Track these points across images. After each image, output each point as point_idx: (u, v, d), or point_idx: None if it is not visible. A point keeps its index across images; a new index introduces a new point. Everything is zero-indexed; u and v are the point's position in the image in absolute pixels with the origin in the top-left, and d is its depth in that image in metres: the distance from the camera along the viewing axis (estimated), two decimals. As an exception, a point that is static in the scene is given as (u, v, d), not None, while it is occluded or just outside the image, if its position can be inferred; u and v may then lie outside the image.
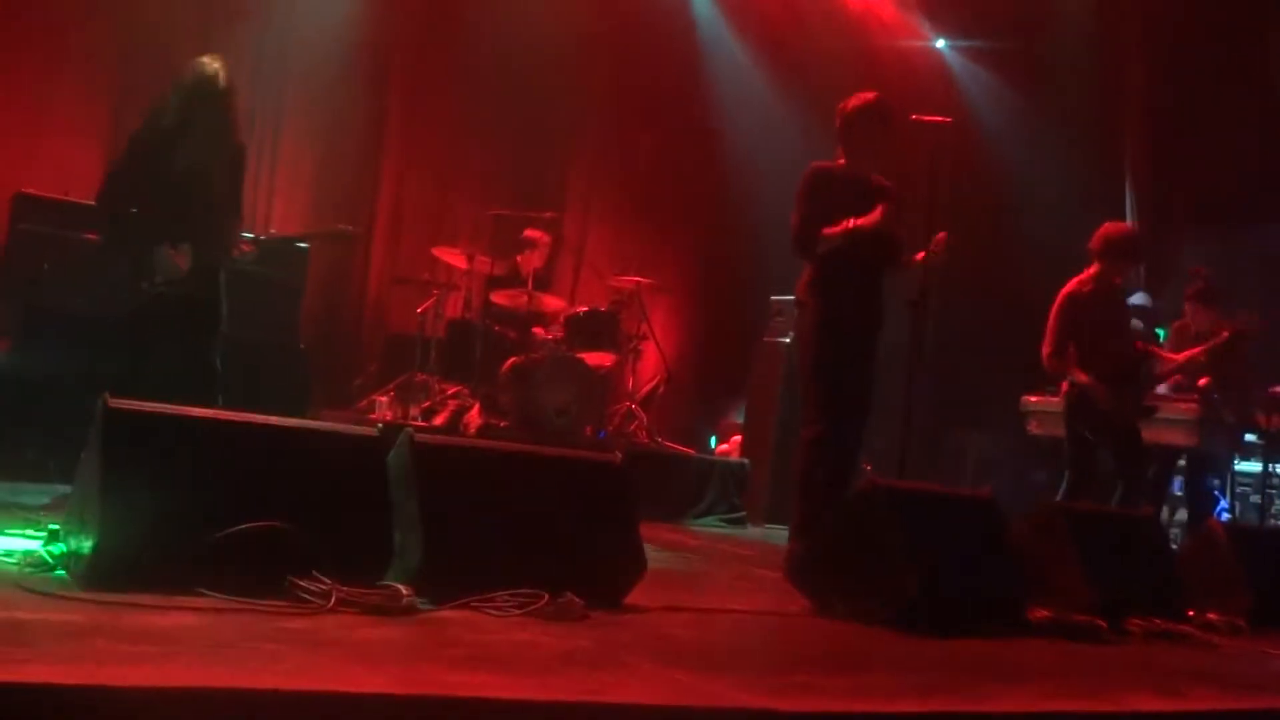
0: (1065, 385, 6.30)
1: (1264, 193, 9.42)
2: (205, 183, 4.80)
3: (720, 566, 5.46)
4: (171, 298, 4.72)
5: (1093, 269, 6.18)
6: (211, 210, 4.82)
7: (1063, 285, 6.32)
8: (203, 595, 2.65)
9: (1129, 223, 6.40)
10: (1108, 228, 6.30)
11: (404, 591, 2.84)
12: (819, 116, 10.47)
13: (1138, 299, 8.59)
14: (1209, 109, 9.70)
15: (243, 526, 2.82)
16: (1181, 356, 6.92)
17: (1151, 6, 10.10)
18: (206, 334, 4.89)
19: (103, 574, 2.70)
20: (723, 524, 7.76)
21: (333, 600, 2.73)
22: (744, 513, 8.04)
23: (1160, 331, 7.58)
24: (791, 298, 8.65)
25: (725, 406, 10.54)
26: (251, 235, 5.11)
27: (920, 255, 5.08)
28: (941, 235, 5.04)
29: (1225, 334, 6.73)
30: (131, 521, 2.77)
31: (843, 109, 5.18)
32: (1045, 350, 6.17)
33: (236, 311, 4.98)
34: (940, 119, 5.09)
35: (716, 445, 10.25)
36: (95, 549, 2.74)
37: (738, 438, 9.41)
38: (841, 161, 5.18)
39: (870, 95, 5.20)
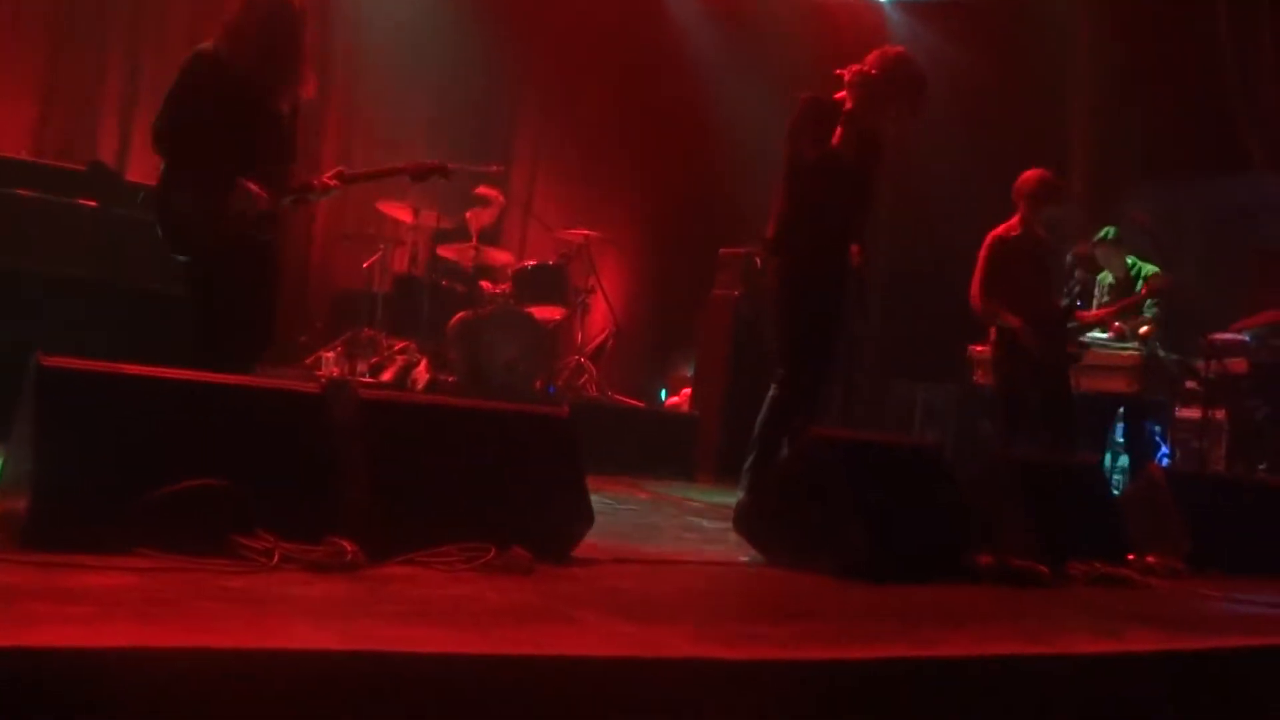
0: (994, 331, 6.40)
1: (1206, 146, 9.52)
2: (277, 120, 4.48)
3: (669, 519, 5.49)
4: (245, 243, 4.37)
5: (1016, 216, 6.29)
6: (282, 150, 4.51)
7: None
8: (142, 554, 2.61)
9: (1044, 169, 6.39)
10: (1026, 174, 6.35)
11: (348, 547, 2.82)
12: (766, 69, 10.49)
13: None
14: (1153, 62, 9.75)
15: (184, 484, 2.78)
16: (1095, 315, 7.10)
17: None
18: (275, 284, 4.62)
19: (39, 534, 2.64)
20: (671, 476, 7.79)
21: (275, 557, 2.70)
22: (693, 465, 8.07)
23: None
24: (742, 250, 8.72)
25: (675, 360, 10.55)
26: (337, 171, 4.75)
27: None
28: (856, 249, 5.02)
29: (1142, 291, 6.92)
30: (69, 481, 2.72)
31: (889, 58, 4.96)
32: (975, 292, 6.26)
33: (179, 267, 4.80)
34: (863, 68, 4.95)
35: (666, 398, 10.27)
36: (31, 509, 2.69)
37: (688, 390, 9.43)
38: (841, 95, 4.99)
39: (920, 69, 5.05)
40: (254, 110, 4.40)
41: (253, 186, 4.32)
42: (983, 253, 6.29)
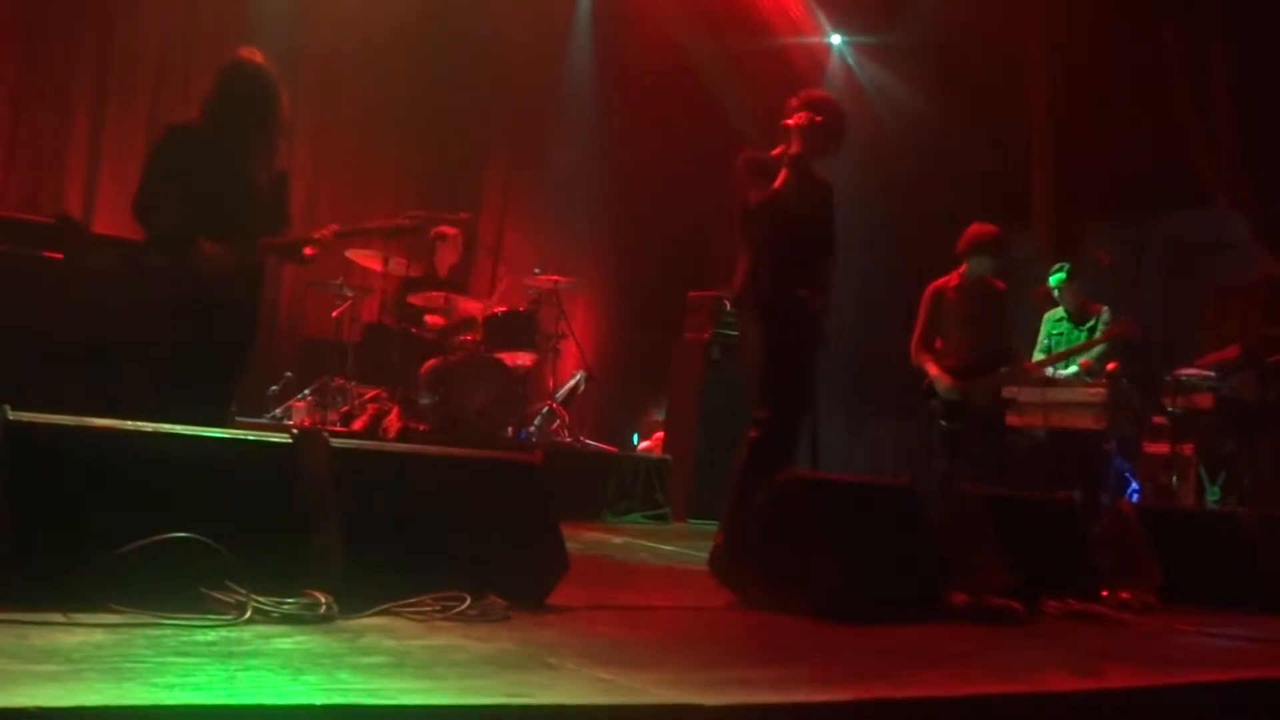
0: (925, 379, 6.60)
1: (1170, 182, 9.66)
2: (254, 188, 4.58)
3: (644, 563, 5.47)
4: (212, 301, 4.44)
5: (961, 268, 6.54)
6: (262, 216, 4.60)
7: None
8: (113, 610, 2.58)
9: (991, 225, 6.64)
10: (974, 229, 6.60)
11: (322, 599, 2.79)
12: (730, 112, 10.59)
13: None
14: (1114, 99, 9.90)
15: (154, 538, 2.75)
16: (1052, 359, 7.27)
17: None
18: (246, 340, 4.71)
19: (8, 592, 2.61)
20: (646, 520, 7.77)
21: (249, 611, 2.67)
22: (667, 509, 8.06)
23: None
24: (711, 293, 8.76)
25: (647, 403, 10.56)
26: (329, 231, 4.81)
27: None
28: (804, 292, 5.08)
29: (1101, 336, 7.08)
30: (39, 537, 2.69)
31: (821, 100, 5.18)
32: (911, 340, 6.55)
33: (148, 321, 4.78)
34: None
35: (639, 442, 10.27)
36: (1, 567, 2.66)
37: (660, 434, 9.43)
38: (778, 151, 5.13)
39: (841, 106, 5.25)
40: (230, 180, 4.51)
41: (211, 247, 4.40)
42: (921, 303, 6.57)
